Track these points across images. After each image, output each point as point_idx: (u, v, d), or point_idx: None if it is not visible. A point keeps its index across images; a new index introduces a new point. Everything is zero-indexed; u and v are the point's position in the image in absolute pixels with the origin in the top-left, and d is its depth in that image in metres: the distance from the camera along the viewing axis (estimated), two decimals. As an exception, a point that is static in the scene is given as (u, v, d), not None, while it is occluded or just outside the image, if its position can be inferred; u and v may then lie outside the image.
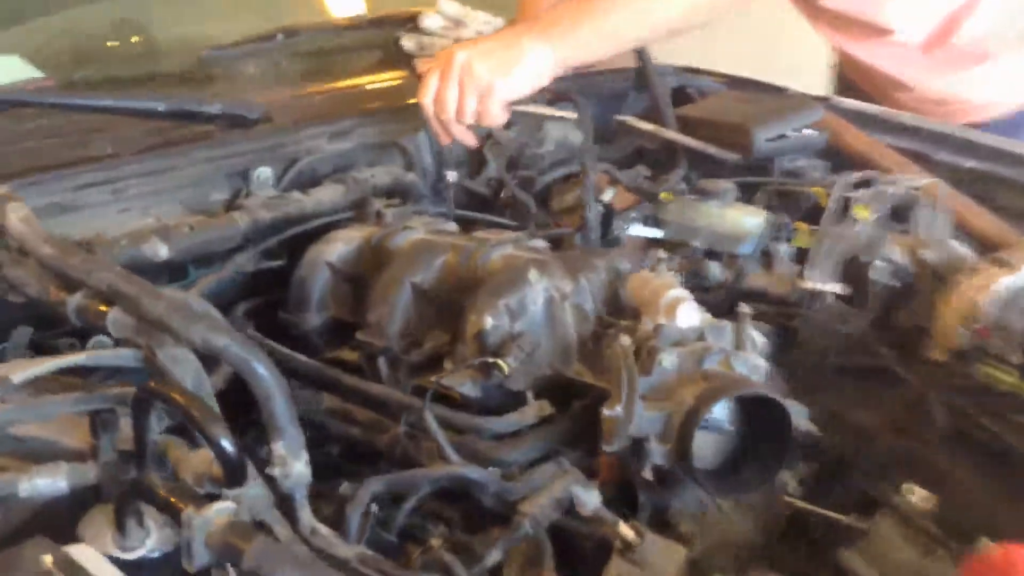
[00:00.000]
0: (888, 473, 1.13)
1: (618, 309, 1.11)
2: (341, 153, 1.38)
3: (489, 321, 1.03)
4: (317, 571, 0.72)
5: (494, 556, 0.91)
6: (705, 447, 0.96)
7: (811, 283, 1.45)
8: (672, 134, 1.77)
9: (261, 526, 0.90)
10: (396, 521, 0.98)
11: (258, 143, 1.28)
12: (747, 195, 1.70)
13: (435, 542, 0.97)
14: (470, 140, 1.39)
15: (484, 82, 1.32)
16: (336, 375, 1.14)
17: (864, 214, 1.48)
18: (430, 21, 1.73)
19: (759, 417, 0.95)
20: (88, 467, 0.89)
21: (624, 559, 0.90)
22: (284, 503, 0.91)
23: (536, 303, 1.08)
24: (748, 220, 1.57)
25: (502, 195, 1.52)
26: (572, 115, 1.44)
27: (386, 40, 1.67)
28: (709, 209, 1.58)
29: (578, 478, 0.98)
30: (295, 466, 0.90)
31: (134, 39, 1.52)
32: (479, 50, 1.35)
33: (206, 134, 1.26)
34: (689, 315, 1.00)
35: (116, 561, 0.82)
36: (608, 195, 1.44)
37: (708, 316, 1.03)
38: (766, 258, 1.54)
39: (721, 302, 1.54)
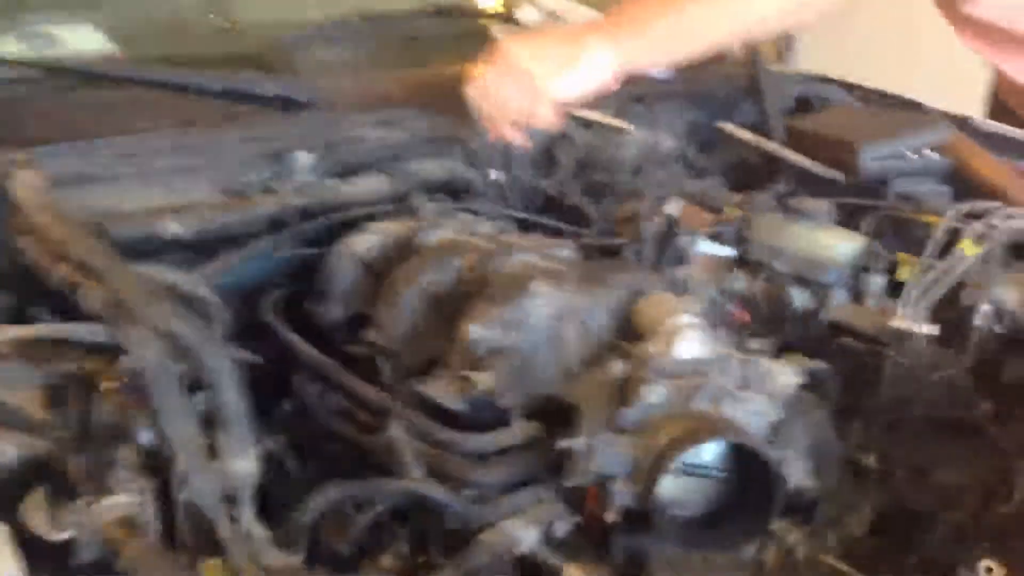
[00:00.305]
0: (965, 543, 1.00)
1: (633, 331, 1.01)
2: (395, 144, 1.33)
3: (477, 331, 0.96)
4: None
5: (437, 582, 0.84)
6: (690, 493, 0.86)
7: (902, 322, 1.31)
8: (772, 146, 1.64)
9: (200, 521, 0.88)
10: (352, 532, 0.92)
11: (300, 127, 1.25)
12: (854, 219, 1.56)
13: (385, 560, 0.92)
14: (520, 141, 1.29)
15: (534, 82, 1.21)
16: (337, 372, 1.10)
17: (972, 248, 1.32)
18: (525, 14, 1.67)
19: (754, 467, 0.84)
20: (40, 441, 0.88)
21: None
22: (228, 500, 0.88)
23: (538, 317, 1.00)
24: (840, 246, 1.42)
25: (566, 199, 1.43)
26: (629, 127, 1.32)
27: (476, 31, 1.62)
28: (798, 230, 1.45)
29: (555, 510, 0.90)
30: (239, 463, 0.86)
31: (214, 19, 1.53)
32: (534, 45, 1.25)
33: (251, 114, 1.24)
34: (691, 345, 0.90)
35: (41, 543, 0.81)
36: (672, 207, 1.33)
37: (717, 348, 0.92)
38: (858, 290, 1.41)
39: (800, 334, 1.42)
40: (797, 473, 0.85)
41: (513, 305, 0.99)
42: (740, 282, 1.50)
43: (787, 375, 0.97)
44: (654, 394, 0.85)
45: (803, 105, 1.85)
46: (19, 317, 1.08)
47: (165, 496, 0.82)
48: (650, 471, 0.81)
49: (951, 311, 1.25)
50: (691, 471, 0.84)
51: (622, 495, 0.82)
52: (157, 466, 0.81)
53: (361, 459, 1.08)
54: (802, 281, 1.45)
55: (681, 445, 0.80)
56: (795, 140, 1.66)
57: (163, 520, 0.81)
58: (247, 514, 0.87)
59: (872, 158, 1.54)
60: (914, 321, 1.30)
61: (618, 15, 1.30)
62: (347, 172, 1.30)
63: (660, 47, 1.28)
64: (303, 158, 1.25)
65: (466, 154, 1.41)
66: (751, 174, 1.74)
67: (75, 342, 0.94)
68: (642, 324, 0.96)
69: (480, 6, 1.71)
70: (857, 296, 1.41)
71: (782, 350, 1.40)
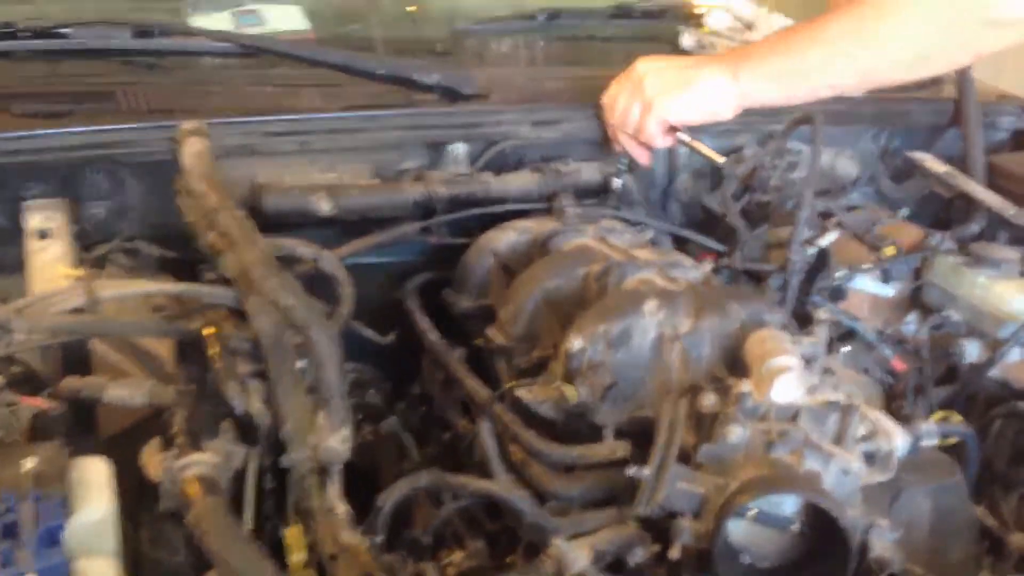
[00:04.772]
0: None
1: (741, 365, 0.98)
2: (550, 143, 1.34)
3: (576, 344, 0.96)
4: (240, 550, 0.71)
5: (494, 587, 0.85)
6: (762, 542, 0.83)
7: (1071, 389, 1.21)
8: (967, 182, 1.53)
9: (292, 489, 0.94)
10: (432, 524, 0.95)
11: (459, 118, 1.28)
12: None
13: (457, 556, 0.94)
14: (640, 157, 1.33)
15: (647, 97, 1.26)
16: (453, 364, 1.13)
17: None
18: (716, 19, 1.62)
19: (829, 527, 0.80)
20: (168, 390, 0.95)
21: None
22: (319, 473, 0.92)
23: (644, 337, 0.98)
24: (1017, 300, 1.31)
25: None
26: (721, 159, 1.32)
27: (662, 33, 1.59)
28: (975, 278, 1.35)
29: (634, 535, 0.89)
30: (329, 440, 0.90)
31: (406, 7, 1.58)
32: (657, 65, 1.29)
33: (413, 101, 1.28)
34: (788, 390, 0.86)
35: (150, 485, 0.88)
36: (828, 239, 1.27)
37: (820, 396, 0.87)
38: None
39: (966, 389, 1.32)
40: (882, 542, 0.79)
41: (621, 322, 0.98)
42: (911, 326, 1.42)
43: (901, 436, 0.91)
44: (735, 434, 0.82)
45: (1020, 139, 1.71)
46: (179, 270, 1.18)
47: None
48: (717, 514, 0.79)
49: None
50: (765, 520, 0.81)
51: (686, 533, 0.80)
52: (247, 433, 0.86)
53: (469, 451, 1.11)
54: (975, 333, 1.35)
55: (751, 492, 0.78)
56: (997, 178, 1.54)
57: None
58: (333, 490, 0.91)
59: (1066, 208, 1.41)
60: None
61: (744, 50, 1.32)
62: (501, 166, 1.32)
63: (777, 85, 1.26)
64: (459, 149, 1.29)
65: (629, 160, 1.40)
66: (944, 210, 1.63)
67: (211, 304, 1.02)
68: (749, 359, 0.93)
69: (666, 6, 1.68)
70: (1034, 356, 1.30)
71: (946, 404, 1.33)
